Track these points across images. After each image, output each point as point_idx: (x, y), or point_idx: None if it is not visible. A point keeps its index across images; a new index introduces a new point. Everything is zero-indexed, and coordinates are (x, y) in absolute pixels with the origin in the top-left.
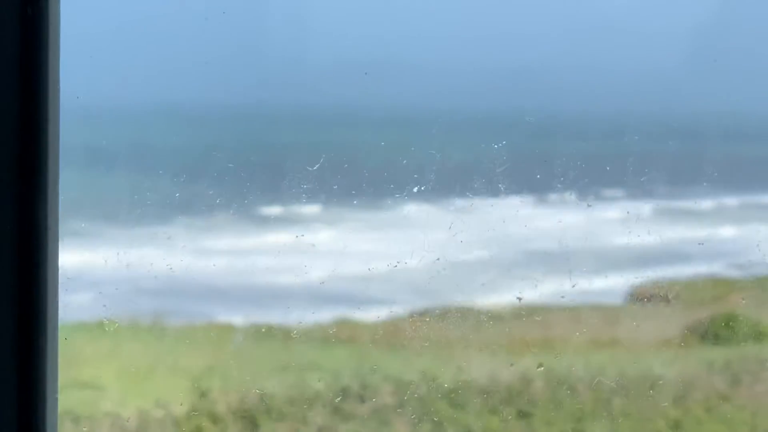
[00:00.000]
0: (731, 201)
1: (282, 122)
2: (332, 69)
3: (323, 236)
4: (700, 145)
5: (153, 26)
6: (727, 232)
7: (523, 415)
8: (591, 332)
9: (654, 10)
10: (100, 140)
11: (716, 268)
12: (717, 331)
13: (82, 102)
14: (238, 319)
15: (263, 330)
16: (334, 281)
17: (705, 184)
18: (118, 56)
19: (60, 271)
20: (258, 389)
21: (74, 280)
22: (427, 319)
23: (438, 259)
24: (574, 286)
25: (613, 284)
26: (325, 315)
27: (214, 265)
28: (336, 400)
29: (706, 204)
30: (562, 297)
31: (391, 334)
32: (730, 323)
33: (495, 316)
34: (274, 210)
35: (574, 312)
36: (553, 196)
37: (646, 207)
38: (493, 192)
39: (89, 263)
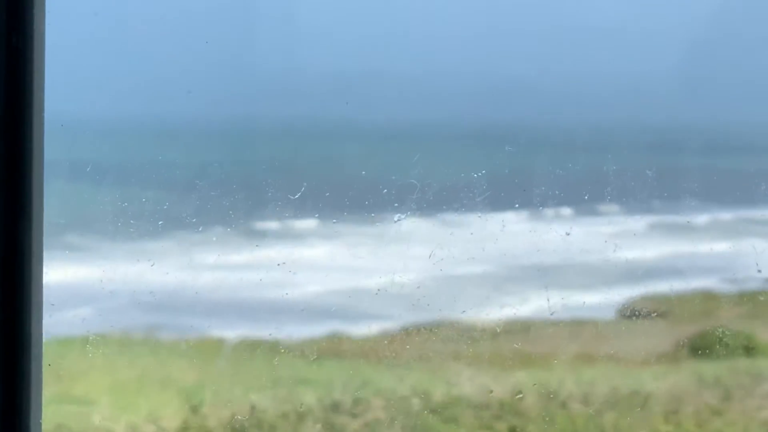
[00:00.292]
0: (725, 215)
1: (273, 135)
2: (321, 82)
3: (315, 251)
4: (690, 158)
5: (140, 41)
6: (720, 246)
7: (514, 430)
8: (582, 347)
9: (646, 22)
10: (93, 155)
11: (708, 282)
12: (708, 345)
13: (69, 117)
14: (230, 333)
15: (255, 344)
16: (326, 296)
17: (698, 198)
18: (104, 71)
19: (52, 286)
20: (250, 403)
21: (66, 295)
22: (419, 334)
23: (430, 273)
24: (564, 301)
25: (603, 299)
26: (317, 329)
27: (206, 280)
28: (327, 415)
29: (699, 218)
30: (553, 312)
31: (382, 349)
32: (722, 338)
33: (487, 331)
34: (266, 225)
35: (565, 327)
36: (545, 211)
37: (637, 221)
38: (485, 206)
39: (81, 278)
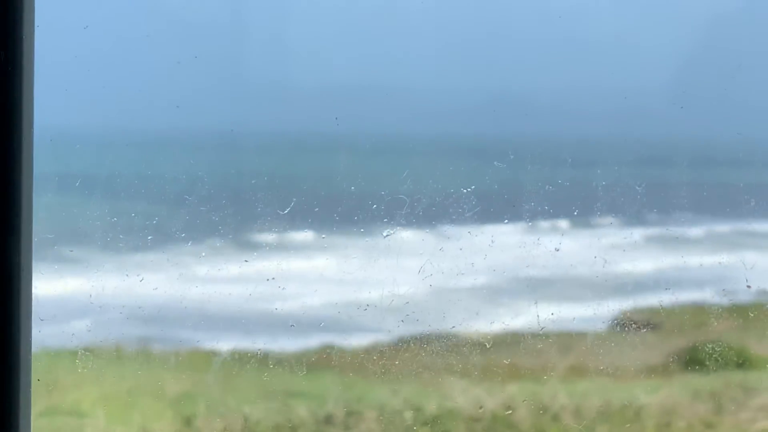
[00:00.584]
0: (717, 229)
1: (263, 149)
2: (311, 96)
3: (306, 264)
4: (681, 172)
5: (129, 54)
6: (711, 259)
7: None
8: (574, 360)
9: (637, 37)
10: (82, 169)
11: (700, 295)
12: (701, 358)
13: (59, 130)
14: (222, 346)
15: (247, 357)
16: (318, 309)
17: (689, 211)
18: (93, 85)
19: (41, 299)
20: (242, 416)
21: (56, 308)
22: (411, 348)
23: (421, 287)
24: (556, 314)
25: (595, 312)
26: (309, 342)
27: (197, 293)
28: (320, 428)
29: (691, 232)
30: (546, 325)
31: (374, 362)
32: (714, 351)
33: (481, 344)
34: (257, 238)
35: (556, 340)
36: (541, 223)
37: (629, 235)
38: (481, 219)
39: (71, 291)
